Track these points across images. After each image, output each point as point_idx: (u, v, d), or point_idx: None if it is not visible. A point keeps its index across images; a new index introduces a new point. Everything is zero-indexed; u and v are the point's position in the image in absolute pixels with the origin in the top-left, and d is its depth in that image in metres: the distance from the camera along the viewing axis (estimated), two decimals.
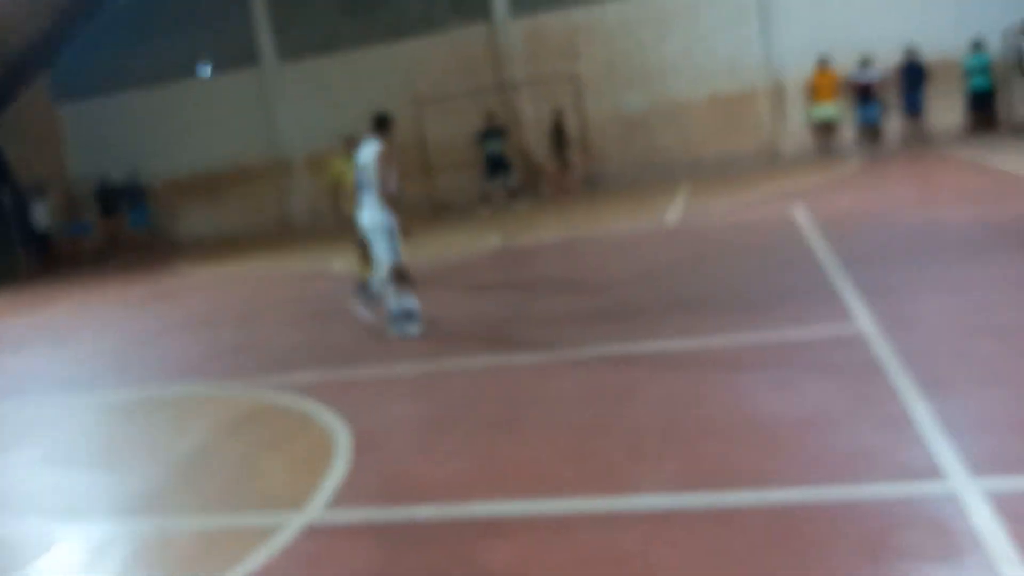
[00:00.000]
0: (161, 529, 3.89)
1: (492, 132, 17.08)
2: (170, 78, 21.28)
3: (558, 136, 17.83)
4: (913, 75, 16.35)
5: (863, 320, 5.38)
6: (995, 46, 16.16)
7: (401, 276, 6.97)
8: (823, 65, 16.93)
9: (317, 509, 3.79)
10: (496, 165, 16.98)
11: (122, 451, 5.21)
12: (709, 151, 18.39)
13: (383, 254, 6.99)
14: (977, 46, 16.09)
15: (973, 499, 2.96)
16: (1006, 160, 12.12)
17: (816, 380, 4.46)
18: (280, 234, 19.33)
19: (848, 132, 17.34)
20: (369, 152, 6.90)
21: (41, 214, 18.87)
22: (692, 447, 3.80)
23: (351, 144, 9.11)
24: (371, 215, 6.95)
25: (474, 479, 3.85)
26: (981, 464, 3.20)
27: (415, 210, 18.41)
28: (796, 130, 17.86)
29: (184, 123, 21.24)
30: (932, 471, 3.21)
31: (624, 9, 18.54)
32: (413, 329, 7.02)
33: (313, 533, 3.58)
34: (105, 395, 6.62)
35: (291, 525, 3.66)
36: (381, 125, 6.94)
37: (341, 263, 12.41)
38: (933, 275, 6.41)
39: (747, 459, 3.58)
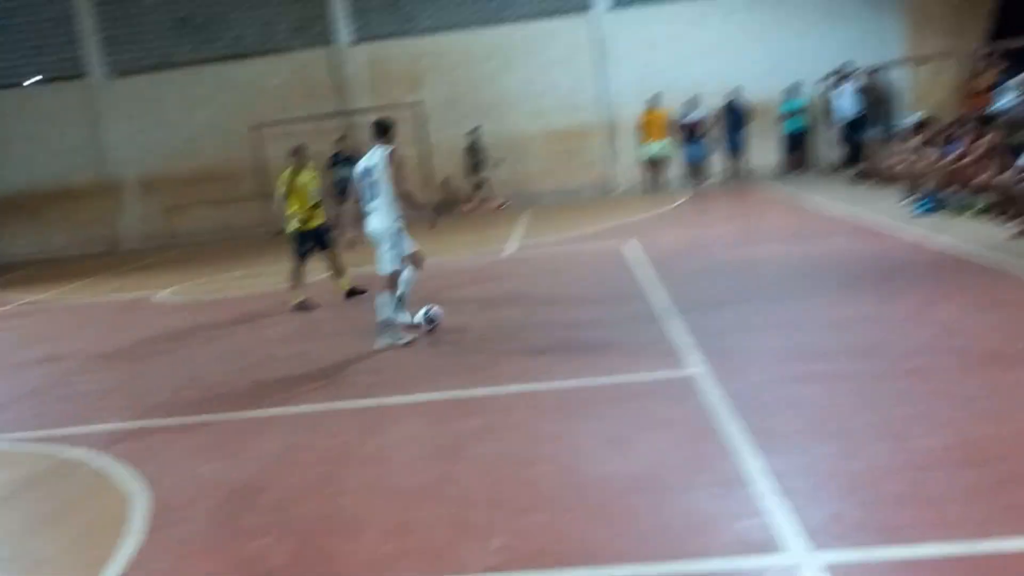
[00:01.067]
0: None
1: (344, 158, 16.16)
2: None
3: (473, 156, 17.46)
4: (735, 117, 17.24)
5: (693, 363, 5.35)
6: (811, 92, 17.35)
7: (393, 284, 7.03)
8: (652, 104, 17.52)
9: None
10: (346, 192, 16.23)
11: None
12: (547, 184, 18.63)
13: (385, 261, 7.02)
14: (791, 91, 17.20)
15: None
16: (816, 199, 12.89)
17: (647, 433, 4.32)
18: (108, 258, 17.92)
19: (676, 169, 18.05)
20: (376, 157, 6.92)
21: None
22: (519, 517, 3.53)
23: (299, 155, 9.09)
24: (380, 220, 6.95)
25: (281, 560, 3.42)
26: (820, 533, 3.08)
27: (251, 237, 17.54)
28: (628, 166, 18.40)
29: (2, 137, 19.39)
30: (770, 543, 3.07)
31: (467, 40, 18.57)
32: (403, 337, 6.92)
33: None
34: None
35: None
36: (385, 130, 7.03)
37: (167, 292, 11.53)
38: (759, 315, 6.54)
39: (576, 531, 3.35)
